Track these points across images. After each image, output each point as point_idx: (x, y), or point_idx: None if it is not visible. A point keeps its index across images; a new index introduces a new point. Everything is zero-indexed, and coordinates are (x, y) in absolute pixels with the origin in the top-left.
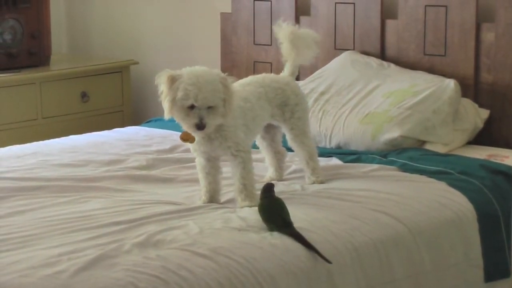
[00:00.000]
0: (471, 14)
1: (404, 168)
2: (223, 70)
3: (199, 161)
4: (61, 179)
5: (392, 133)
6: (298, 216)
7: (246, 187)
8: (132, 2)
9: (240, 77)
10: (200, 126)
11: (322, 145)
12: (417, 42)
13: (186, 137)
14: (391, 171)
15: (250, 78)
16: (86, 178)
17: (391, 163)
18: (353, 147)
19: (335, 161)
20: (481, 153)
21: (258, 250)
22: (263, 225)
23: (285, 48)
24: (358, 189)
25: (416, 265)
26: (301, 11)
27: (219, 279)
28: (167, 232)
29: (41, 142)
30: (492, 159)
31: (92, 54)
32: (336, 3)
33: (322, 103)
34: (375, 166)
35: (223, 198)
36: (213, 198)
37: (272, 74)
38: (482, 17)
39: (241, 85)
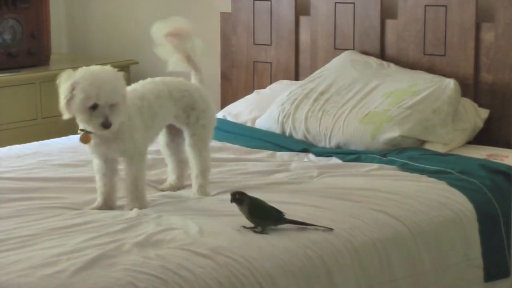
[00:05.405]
0: (471, 14)
1: (404, 168)
2: (223, 70)
3: (96, 162)
4: (61, 179)
5: (392, 133)
6: (298, 215)
7: (137, 188)
8: (132, 2)
9: (240, 77)
10: (106, 125)
11: (322, 144)
12: (417, 42)
13: (86, 139)
14: (391, 171)
15: (151, 79)
16: (86, 178)
17: (391, 162)
18: (353, 146)
19: (335, 160)
20: (481, 152)
21: (257, 249)
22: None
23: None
24: (358, 189)
25: (416, 264)
26: (301, 11)
27: (218, 279)
28: (166, 232)
29: (41, 142)
30: (492, 159)
31: (92, 54)
32: (336, 3)
33: (321, 102)
34: (375, 165)
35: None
36: (107, 200)
37: (181, 78)
38: (482, 17)
39: (140, 84)
